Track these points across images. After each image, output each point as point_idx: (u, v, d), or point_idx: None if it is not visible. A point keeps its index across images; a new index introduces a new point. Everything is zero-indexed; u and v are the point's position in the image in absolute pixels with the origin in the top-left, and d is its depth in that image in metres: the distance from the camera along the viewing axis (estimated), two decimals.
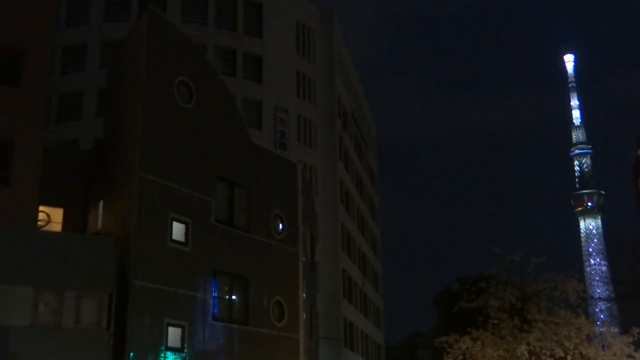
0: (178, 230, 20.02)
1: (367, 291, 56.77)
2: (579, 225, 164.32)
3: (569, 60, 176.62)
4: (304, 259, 25.84)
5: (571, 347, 21.81)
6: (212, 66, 24.16)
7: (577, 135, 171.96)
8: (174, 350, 18.90)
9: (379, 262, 66.78)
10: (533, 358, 21.97)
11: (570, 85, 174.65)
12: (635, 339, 22.32)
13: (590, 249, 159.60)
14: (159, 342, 18.57)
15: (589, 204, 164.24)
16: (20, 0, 20.56)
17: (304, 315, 25.01)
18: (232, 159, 23.06)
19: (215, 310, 20.85)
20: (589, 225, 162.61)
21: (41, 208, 20.63)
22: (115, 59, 23.52)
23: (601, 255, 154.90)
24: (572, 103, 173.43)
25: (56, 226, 21.29)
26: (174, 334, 19.05)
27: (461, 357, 22.83)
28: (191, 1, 41.01)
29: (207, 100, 22.30)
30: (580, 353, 21.88)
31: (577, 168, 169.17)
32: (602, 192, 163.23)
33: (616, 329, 25.80)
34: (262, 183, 24.21)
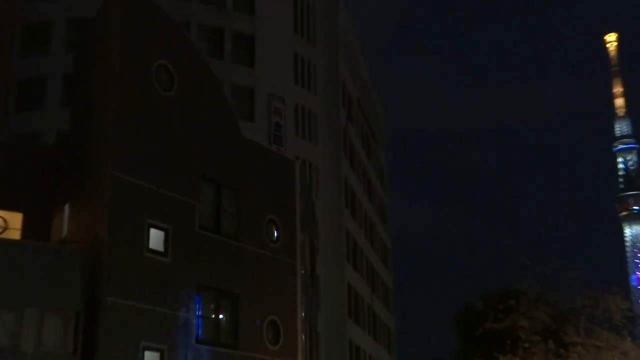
0: (156, 238, 20.00)
1: (377, 309, 56.75)
2: (623, 233, 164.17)
3: (610, 40, 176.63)
4: (302, 271, 25.83)
5: None
6: (196, 48, 24.16)
7: (620, 128, 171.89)
8: None
9: (390, 276, 66.78)
10: None
11: (612, 69, 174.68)
12: None
13: (636, 260, 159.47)
14: None
15: (635, 207, 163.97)
16: None
17: (303, 337, 24.98)
18: (219, 155, 23.04)
19: (200, 332, 20.81)
20: (635, 232, 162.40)
21: None
22: (83, 40, 23.54)
23: None
24: (614, 90, 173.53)
25: (14, 233, 21.23)
26: (151, 359, 18.98)
27: None
28: None
29: (191, 88, 22.28)
30: None
31: (621, 166, 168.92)
32: None
33: None
34: (254, 184, 24.19)
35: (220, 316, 22.05)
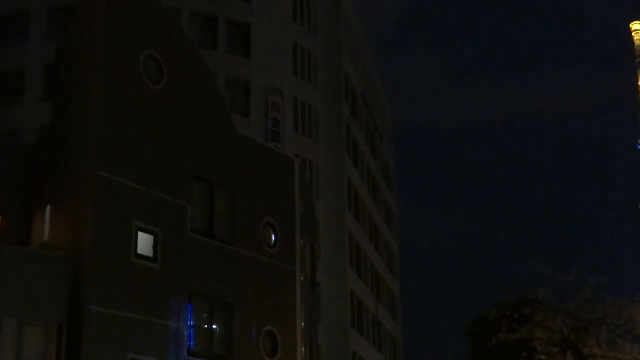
0: (145, 242, 20.05)
1: (382, 319, 56.81)
2: None
3: (637, 28, 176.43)
4: (302, 278, 25.90)
5: None
6: (187, 37, 24.21)
7: None
8: None
9: (397, 283, 66.86)
10: None
11: (638, 60, 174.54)
12: None
13: None
14: None
15: None
16: None
17: (303, 349, 25.04)
18: (212, 153, 23.12)
19: (192, 343, 20.85)
20: None
21: None
22: (66, 28, 23.57)
23: None
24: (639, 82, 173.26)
25: None
26: None
27: None
28: None
29: (181, 80, 22.34)
30: None
31: None
32: None
33: None
34: (250, 184, 24.26)
35: (214, 326, 22.10)
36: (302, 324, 25.23)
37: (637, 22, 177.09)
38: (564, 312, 22.99)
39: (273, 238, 24.62)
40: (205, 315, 21.86)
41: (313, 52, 46.29)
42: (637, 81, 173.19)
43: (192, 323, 20.96)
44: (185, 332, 20.60)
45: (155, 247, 20.27)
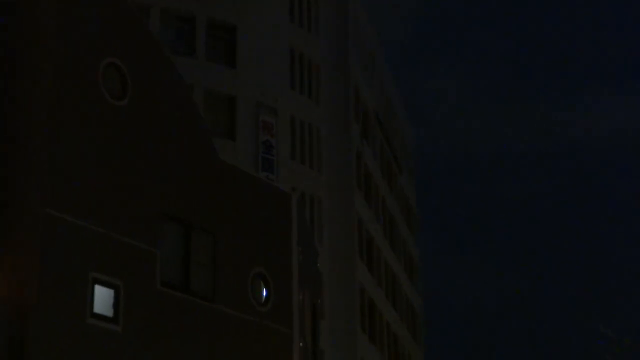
0: (103, 298, 19.95)
1: None
2: None
3: None
4: (301, 344, 25.80)
5: None
6: (158, 42, 24.30)
7: None
8: None
9: (420, 350, 66.63)
10: None
11: None
12: None
13: None
14: None
15: None
16: None
17: None
18: (188, 187, 23.13)
19: None
20: None
21: None
22: (6, 28, 23.56)
23: None
24: None
25: None
26: None
27: None
28: None
29: (150, 95, 22.40)
30: None
31: None
32: None
33: None
34: (235, 225, 24.25)
35: None
36: None
37: None
38: None
39: (264, 293, 24.56)
40: None
41: (314, 60, 46.52)
42: None
43: None
44: None
45: (116, 304, 20.16)
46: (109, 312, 20.03)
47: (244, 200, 24.90)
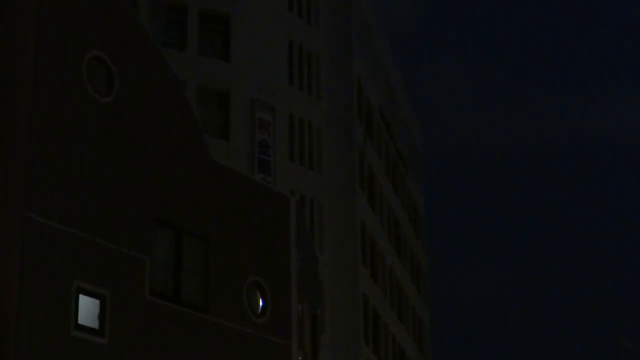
0: (88, 309, 19.78)
1: None
2: None
3: None
4: (300, 358, 25.69)
5: None
6: (147, 33, 24.14)
7: None
8: None
9: None
10: None
11: None
12: None
13: None
14: None
15: None
16: None
17: None
18: (180, 190, 23.00)
19: None
20: None
21: None
22: None
23: None
24: None
25: None
26: None
27: None
28: None
29: (138, 91, 22.25)
30: None
31: None
32: None
33: None
34: (230, 230, 24.11)
35: None
36: None
37: None
38: None
39: (261, 303, 24.44)
40: None
41: (314, 53, 46.46)
42: None
43: None
44: None
45: (102, 315, 19.99)
46: (94, 323, 19.83)
47: (239, 204, 24.75)
